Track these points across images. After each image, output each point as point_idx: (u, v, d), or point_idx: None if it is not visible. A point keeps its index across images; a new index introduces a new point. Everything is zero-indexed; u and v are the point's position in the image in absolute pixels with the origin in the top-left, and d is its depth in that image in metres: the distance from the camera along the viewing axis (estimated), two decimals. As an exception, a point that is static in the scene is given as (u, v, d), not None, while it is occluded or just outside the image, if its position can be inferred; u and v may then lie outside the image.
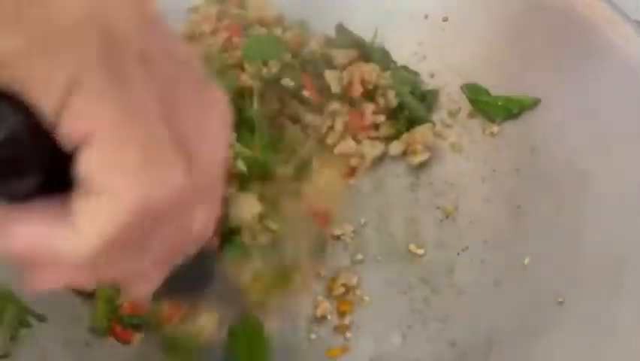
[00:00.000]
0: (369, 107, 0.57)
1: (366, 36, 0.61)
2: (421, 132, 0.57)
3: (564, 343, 0.45)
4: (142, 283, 0.24)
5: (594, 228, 0.48)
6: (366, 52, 0.59)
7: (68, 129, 0.18)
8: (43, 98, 0.18)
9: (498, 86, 0.57)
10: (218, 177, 0.23)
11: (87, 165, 0.19)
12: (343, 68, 0.58)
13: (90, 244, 0.19)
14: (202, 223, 0.23)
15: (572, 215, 0.50)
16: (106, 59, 0.18)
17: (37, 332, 0.47)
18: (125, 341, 0.49)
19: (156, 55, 0.20)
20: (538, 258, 0.50)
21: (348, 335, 0.50)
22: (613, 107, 0.51)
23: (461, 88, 0.59)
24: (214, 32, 0.60)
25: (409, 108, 0.57)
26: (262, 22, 0.61)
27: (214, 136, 0.22)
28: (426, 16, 0.61)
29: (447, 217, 0.55)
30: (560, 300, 0.47)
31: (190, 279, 0.28)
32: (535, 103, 0.55)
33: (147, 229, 0.21)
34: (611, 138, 0.50)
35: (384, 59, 0.60)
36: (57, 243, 0.19)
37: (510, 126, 0.56)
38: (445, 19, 0.60)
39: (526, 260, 0.50)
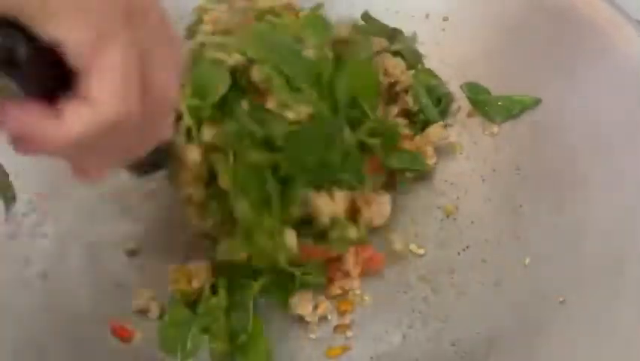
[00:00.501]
0: (392, 110, 0.57)
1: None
2: (434, 132, 0.56)
3: (565, 342, 0.45)
4: (96, 172, 0.33)
5: (594, 227, 0.48)
6: (395, 44, 0.59)
7: (86, 61, 0.27)
8: (78, 49, 0.27)
9: (498, 86, 0.57)
10: (166, 106, 0.33)
11: (85, 85, 0.28)
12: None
13: (71, 132, 0.28)
14: (150, 137, 0.33)
15: (572, 214, 0.50)
16: (125, 22, 0.28)
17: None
18: (125, 340, 0.49)
19: (147, 16, 0.30)
20: (538, 258, 0.50)
21: (349, 334, 0.50)
22: (613, 108, 0.51)
23: (461, 87, 0.59)
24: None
25: (424, 111, 0.57)
26: (273, 12, 0.59)
27: (168, 74, 0.32)
28: (427, 16, 0.61)
29: (447, 217, 0.55)
30: (561, 300, 0.47)
31: (149, 161, 0.40)
32: (535, 103, 0.55)
33: (112, 134, 0.29)
34: (611, 138, 0.50)
35: (413, 57, 0.59)
36: (47, 129, 0.28)
37: (510, 126, 0.56)
38: (446, 19, 0.60)
39: (527, 260, 0.50)
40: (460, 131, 0.58)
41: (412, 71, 0.58)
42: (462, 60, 0.59)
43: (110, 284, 0.52)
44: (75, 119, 0.28)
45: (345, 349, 0.50)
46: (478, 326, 0.49)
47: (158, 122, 0.33)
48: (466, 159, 0.57)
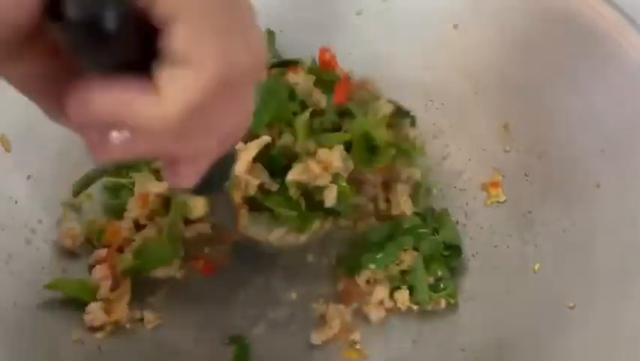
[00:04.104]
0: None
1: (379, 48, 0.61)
2: (401, 299, 0.52)
3: (575, 348, 0.45)
4: (194, 166, 0.26)
5: (604, 233, 0.48)
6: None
7: (161, 6, 0.20)
8: None
9: (505, 92, 0.57)
10: (263, 60, 0.25)
11: (175, 38, 0.21)
12: None
13: (176, 109, 0.21)
14: (242, 117, 0.26)
15: (581, 220, 0.50)
16: None
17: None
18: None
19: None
20: (548, 263, 0.50)
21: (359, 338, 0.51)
22: (621, 114, 0.51)
23: None
24: None
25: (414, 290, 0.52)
26: None
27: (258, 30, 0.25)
28: (435, 23, 0.61)
29: (457, 223, 0.55)
30: (571, 305, 0.47)
31: (214, 176, 0.31)
32: None
33: (222, 99, 0.23)
34: (619, 143, 0.50)
35: None
36: (142, 108, 0.21)
37: (519, 131, 0.56)
38: (456, 26, 0.60)
39: (537, 266, 0.51)
40: (469, 136, 0.58)
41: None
42: (472, 68, 0.59)
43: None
44: (176, 88, 0.21)
45: (360, 354, 0.50)
46: (488, 332, 0.49)
47: (247, 99, 0.26)
48: (475, 164, 0.57)
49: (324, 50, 0.59)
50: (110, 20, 0.20)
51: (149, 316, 0.51)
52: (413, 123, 0.59)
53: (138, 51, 0.22)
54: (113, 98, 0.21)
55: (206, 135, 0.24)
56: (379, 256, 0.52)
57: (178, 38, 0.21)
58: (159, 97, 0.21)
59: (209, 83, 0.22)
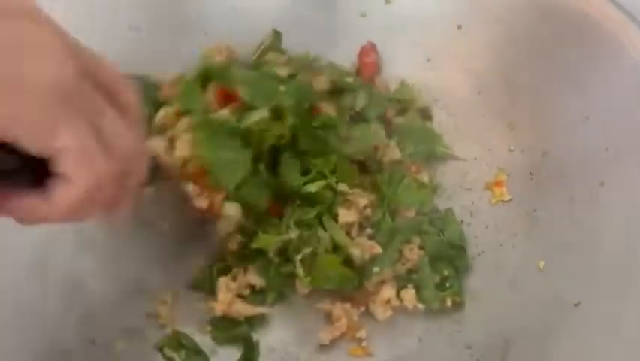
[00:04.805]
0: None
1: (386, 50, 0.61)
2: (408, 298, 0.52)
3: (580, 345, 0.45)
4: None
5: (609, 231, 0.49)
6: None
7: (44, 151, 0.31)
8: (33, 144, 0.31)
9: (512, 94, 0.58)
10: (134, 158, 0.36)
11: (57, 165, 0.32)
12: None
13: (62, 209, 0.33)
14: (132, 183, 0.37)
15: (586, 218, 0.50)
16: (61, 99, 0.31)
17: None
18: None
19: (88, 92, 0.33)
20: (553, 261, 0.50)
21: (364, 336, 0.51)
22: (626, 114, 0.51)
23: None
24: None
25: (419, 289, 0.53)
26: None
27: (127, 134, 0.35)
28: (439, 24, 0.61)
29: (462, 222, 0.56)
30: (576, 302, 0.47)
31: None
32: None
33: (96, 195, 0.34)
34: (624, 143, 0.51)
35: None
36: (41, 209, 0.33)
37: (523, 131, 0.57)
38: (459, 27, 0.60)
39: (542, 264, 0.51)
40: (474, 136, 0.59)
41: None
42: (475, 68, 0.60)
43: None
44: (60, 197, 0.33)
45: (364, 352, 0.51)
46: (494, 330, 0.50)
47: (134, 167, 0.36)
48: (479, 163, 0.58)
49: (368, 50, 0.60)
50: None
51: (161, 313, 0.51)
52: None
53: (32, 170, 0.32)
54: (20, 206, 0.33)
55: (94, 207, 0.35)
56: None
57: (58, 167, 0.32)
58: (51, 203, 0.33)
59: (82, 193, 0.33)
